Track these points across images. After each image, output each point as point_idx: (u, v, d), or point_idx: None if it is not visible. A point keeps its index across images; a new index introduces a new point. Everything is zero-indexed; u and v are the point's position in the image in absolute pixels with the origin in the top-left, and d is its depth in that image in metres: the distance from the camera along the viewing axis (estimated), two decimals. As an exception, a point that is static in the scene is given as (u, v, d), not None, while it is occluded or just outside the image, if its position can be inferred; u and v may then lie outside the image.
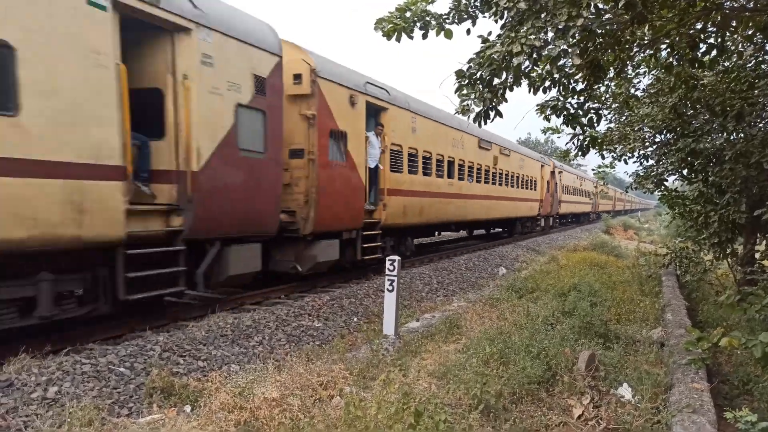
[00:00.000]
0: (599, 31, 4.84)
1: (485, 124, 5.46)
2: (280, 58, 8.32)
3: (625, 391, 5.04)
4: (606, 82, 8.17)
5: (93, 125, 5.57)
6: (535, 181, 25.32)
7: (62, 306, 5.91)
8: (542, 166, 26.63)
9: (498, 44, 4.79)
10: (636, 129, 9.75)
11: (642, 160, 10.59)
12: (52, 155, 5.21)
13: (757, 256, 9.01)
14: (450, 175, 15.42)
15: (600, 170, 12.03)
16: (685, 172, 9.62)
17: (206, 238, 7.29)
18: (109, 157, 5.75)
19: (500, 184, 20.18)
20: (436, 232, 19.43)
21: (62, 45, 5.28)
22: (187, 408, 4.80)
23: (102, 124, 5.68)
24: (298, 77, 9.10)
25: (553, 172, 28.63)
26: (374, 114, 11.53)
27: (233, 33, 7.36)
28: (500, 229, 24.08)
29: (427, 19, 5.31)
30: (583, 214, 41.13)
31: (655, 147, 10.19)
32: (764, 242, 8.90)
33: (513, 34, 4.69)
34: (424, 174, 13.70)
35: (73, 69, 5.38)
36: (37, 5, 5.10)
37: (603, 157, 10.89)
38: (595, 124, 5.95)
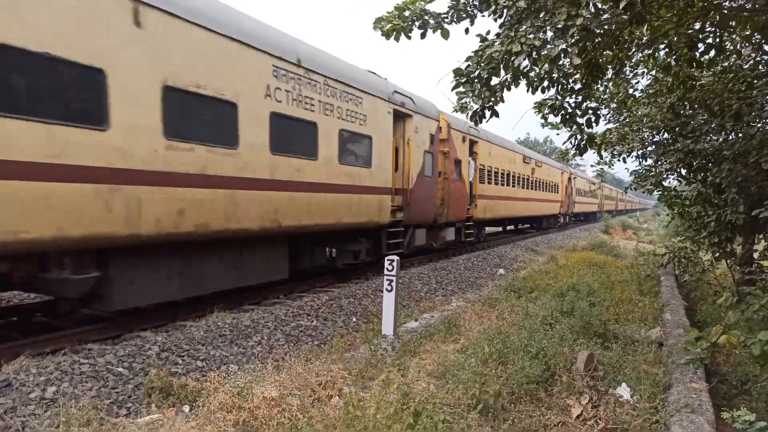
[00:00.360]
0: (598, 31, 4.84)
1: (481, 122, 5.46)
2: (438, 122, 14.19)
3: (624, 391, 5.05)
4: (604, 82, 8.19)
5: (386, 169, 11.50)
6: (557, 186, 31.26)
7: (365, 257, 11.47)
8: (562, 173, 32.62)
9: (497, 43, 4.79)
10: (635, 129, 9.76)
11: (640, 160, 10.60)
12: (377, 185, 11.12)
13: (755, 255, 9.02)
14: (508, 184, 21.65)
15: (598, 167, 12.04)
16: (683, 172, 9.63)
17: (409, 225, 12.93)
18: (388, 182, 11.56)
19: (536, 189, 26.48)
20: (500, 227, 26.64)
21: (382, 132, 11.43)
22: (186, 408, 4.79)
23: (388, 169, 11.61)
24: (440, 129, 14.40)
25: (569, 178, 34.65)
26: (471, 145, 17.38)
27: (424, 113, 13.26)
28: (528, 225, 29.95)
29: (426, 18, 5.32)
30: (591, 213, 47.68)
31: (653, 147, 10.20)
32: (762, 242, 8.90)
33: (512, 33, 4.69)
34: (495, 184, 19.92)
35: (385, 144, 11.48)
36: (382, 119, 11.40)
37: (601, 157, 10.90)
38: (593, 124, 5.95)
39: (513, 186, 22.25)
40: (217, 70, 7.11)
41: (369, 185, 10.81)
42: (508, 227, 27.96)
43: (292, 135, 8.59)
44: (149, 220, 6.24)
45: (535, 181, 26.18)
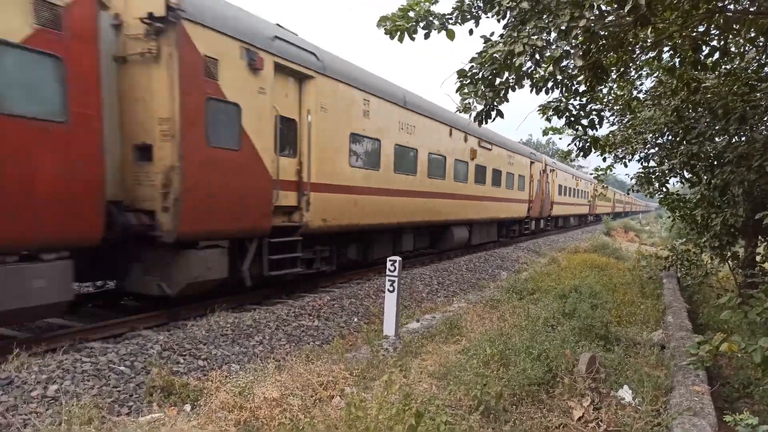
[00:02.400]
0: (602, 33, 4.84)
1: (485, 123, 5.46)
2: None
3: (626, 394, 5.03)
4: (608, 85, 8.18)
5: (525, 191, 24.07)
6: (523, 179, 23.56)
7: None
8: (532, 162, 24.84)
9: (500, 44, 4.79)
10: (638, 132, 9.74)
11: (643, 162, 10.58)
12: (522, 198, 23.87)
13: (758, 259, 9.00)
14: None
15: (599, 172, 12.04)
16: (687, 174, 9.61)
17: (532, 218, 25.55)
18: (525, 197, 24.45)
19: (482, 183, 18.50)
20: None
21: (525, 172, 23.77)
22: (188, 407, 4.80)
23: (526, 190, 24.27)
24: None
25: (544, 170, 26.65)
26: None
27: (537, 159, 24.08)
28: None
29: (431, 19, 5.32)
30: (580, 216, 39.36)
31: (656, 149, 10.19)
32: (764, 245, 8.88)
33: (515, 34, 4.69)
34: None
35: (527, 176, 24.10)
36: (526, 166, 23.52)
37: (604, 160, 10.90)
38: (597, 126, 5.95)
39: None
40: (428, 139, 14.17)
41: (518, 198, 22.27)
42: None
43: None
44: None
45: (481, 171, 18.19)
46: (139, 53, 6.82)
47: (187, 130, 6.93)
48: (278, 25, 9.13)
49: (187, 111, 6.90)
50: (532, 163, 24.63)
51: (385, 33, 5.42)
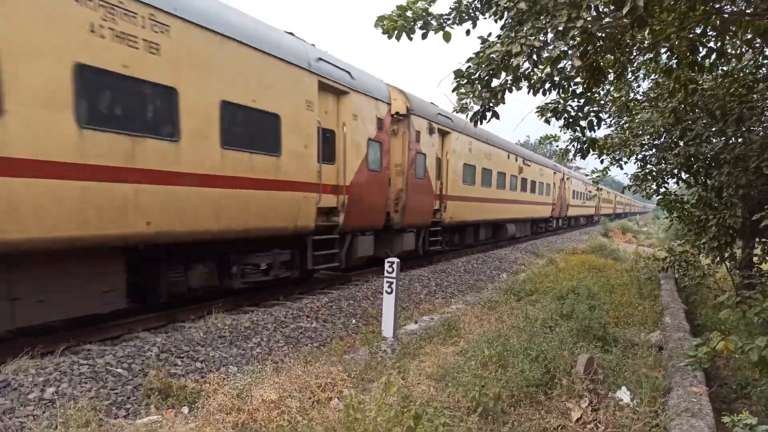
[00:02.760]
0: (599, 34, 4.84)
1: (481, 123, 5.47)
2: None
3: (624, 395, 5.03)
4: (606, 86, 8.19)
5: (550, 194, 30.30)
6: (549, 187, 29.78)
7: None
8: (554, 172, 31.26)
9: (497, 44, 4.79)
10: (635, 135, 9.76)
11: (640, 163, 10.60)
12: (547, 201, 29.73)
13: (755, 260, 9.01)
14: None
15: (595, 175, 12.08)
16: (684, 176, 9.63)
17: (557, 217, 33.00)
18: (549, 200, 30.65)
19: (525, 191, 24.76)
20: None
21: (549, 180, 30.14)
22: (185, 409, 4.79)
23: (551, 194, 30.70)
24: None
25: (563, 178, 33.33)
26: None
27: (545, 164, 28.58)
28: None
29: (428, 19, 5.32)
30: (587, 216, 46.80)
31: (654, 150, 10.20)
32: (761, 246, 8.90)
33: (513, 34, 4.69)
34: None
35: (549, 182, 30.08)
36: (550, 177, 29.79)
37: (602, 162, 10.93)
38: (595, 127, 5.95)
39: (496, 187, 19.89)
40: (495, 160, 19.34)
41: (545, 202, 27.00)
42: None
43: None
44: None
45: (525, 182, 24.15)
46: (392, 131, 12.59)
47: (409, 170, 12.93)
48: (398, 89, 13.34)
49: (409, 160, 13.01)
50: (554, 173, 30.93)
51: (383, 32, 5.42)
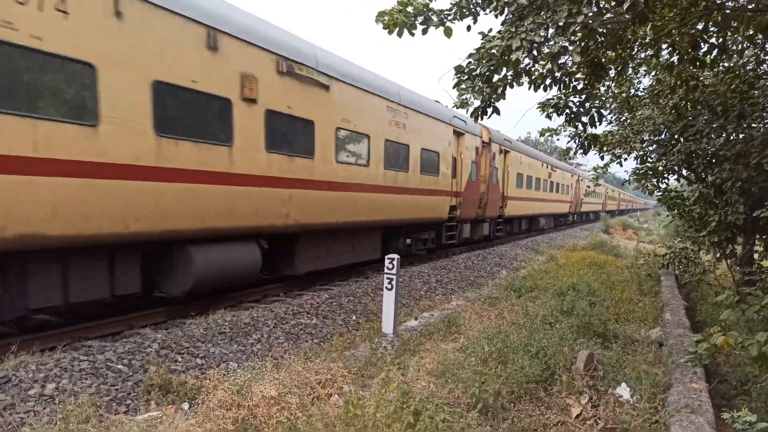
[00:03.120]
0: (600, 30, 4.83)
1: (481, 119, 5.46)
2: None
3: (624, 391, 5.04)
4: (607, 83, 8.17)
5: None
6: (568, 188, 35.54)
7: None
8: (572, 175, 36.86)
9: (498, 39, 4.78)
10: (636, 131, 9.74)
11: (641, 159, 10.58)
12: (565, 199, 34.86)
13: (755, 256, 9.00)
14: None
15: (595, 172, 12.08)
16: (684, 172, 9.61)
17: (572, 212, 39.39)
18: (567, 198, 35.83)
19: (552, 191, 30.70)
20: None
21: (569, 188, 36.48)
22: (186, 405, 4.79)
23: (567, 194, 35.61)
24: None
25: (578, 180, 38.71)
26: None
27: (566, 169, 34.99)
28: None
29: (428, 14, 5.31)
30: (595, 212, 52.84)
31: (654, 146, 10.19)
32: (762, 243, 8.89)
33: (513, 29, 4.68)
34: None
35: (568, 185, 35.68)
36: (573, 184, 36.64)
37: (602, 158, 10.91)
38: (596, 123, 5.94)
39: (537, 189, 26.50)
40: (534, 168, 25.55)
41: (564, 200, 33.14)
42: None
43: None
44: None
45: (552, 184, 29.80)
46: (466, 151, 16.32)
47: (489, 179, 17.88)
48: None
49: (489, 172, 17.98)
50: (572, 176, 36.44)
51: (384, 28, 5.41)
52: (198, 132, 6.97)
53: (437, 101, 14.69)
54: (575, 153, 8.78)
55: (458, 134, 15.55)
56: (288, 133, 8.55)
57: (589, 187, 22.69)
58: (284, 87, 8.32)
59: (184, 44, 6.71)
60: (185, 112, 6.82)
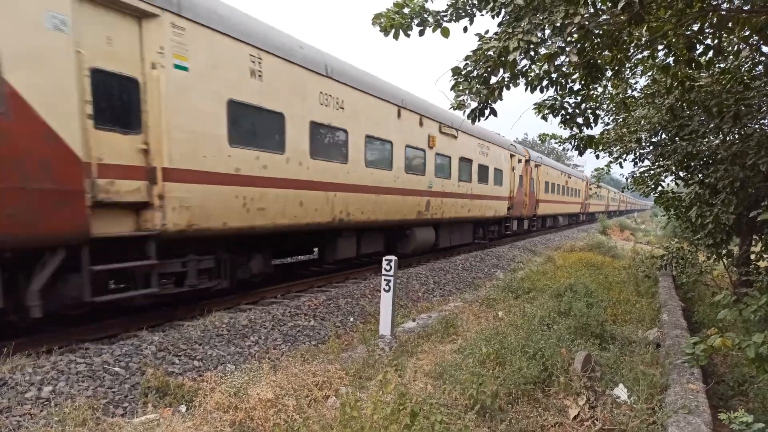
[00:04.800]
0: (596, 31, 4.83)
1: (479, 121, 5.45)
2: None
3: (621, 392, 5.04)
4: (603, 83, 8.18)
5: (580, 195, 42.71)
6: (580, 191, 41.07)
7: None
8: (511, 155, 38.30)
9: (494, 40, 4.78)
10: (632, 130, 9.76)
11: (638, 161, 10.60)
12: (575, 200, 41.53)
13: (752, 257, 9.02)
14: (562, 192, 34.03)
15: (597, 172, 12.11)
16: (681, 173, 9.63)
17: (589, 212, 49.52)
18: (578, 200, 42.88)
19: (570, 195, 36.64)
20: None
21: (579, 187, 42.84)
22: (183, 408, 4.78)
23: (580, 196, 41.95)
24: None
25: (525, 161, 39.50)
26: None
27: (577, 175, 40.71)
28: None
29: (425, 16, 5.30)
30: (598, 212, 56.73)
31: (651, 148, 10.20)
32: (759, 243, 8.90)
33: (510, 30, 4.68)
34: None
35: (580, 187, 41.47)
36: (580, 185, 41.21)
37: (597, 158, 10.94)
38: (592, 125, 5.95)
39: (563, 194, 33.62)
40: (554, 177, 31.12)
41: (577, 202, 38.77)
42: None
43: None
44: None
45: (568, 189, 35.65)
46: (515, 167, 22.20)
47: (528, 187, 24.13)
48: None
49: (528, 182, 24.46)
50: (582, 181, 42.13)
51: (380, 30, 5.40)
52: (414, 169, 13.21)
53: (498, 133, 20.61)
54: (571, 149, 8.80)
55: (512, 155, 21.27)
56: (445, 166, 15.17)
57: (591, 188, 26.15)
58: (444, 140, 14.92)
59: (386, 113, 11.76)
60: (413, 157, 13.11)
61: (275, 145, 8.38)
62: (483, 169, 18.03)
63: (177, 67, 6.65)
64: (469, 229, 18.23)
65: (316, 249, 12.57)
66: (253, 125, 7.94)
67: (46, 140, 5.31)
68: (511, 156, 21.67)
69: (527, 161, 24.61)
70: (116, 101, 6.18)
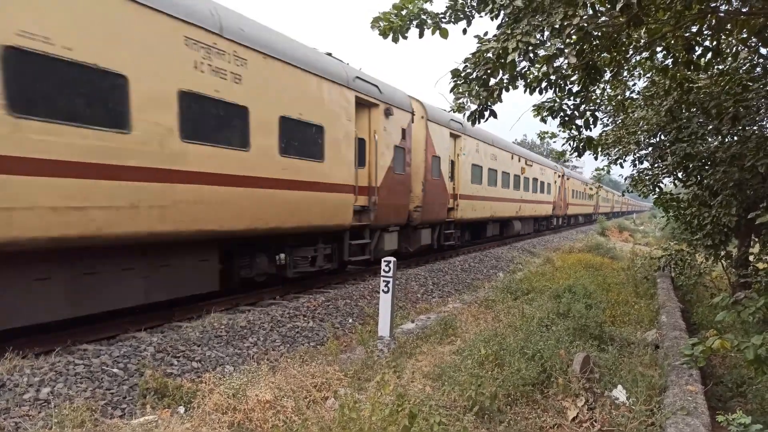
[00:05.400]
0: (595, 33, 4.84)
1: (479, 123, 5.45)
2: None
3: (620, 393, 5.04)
4: (601, 85, 8.19)
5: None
6: (593, 196, 47.95)
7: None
8: (555, 172, 44.78)
9: (493, 41, 4.78)
10: (631, 132, 9.77)
11: (637, 162, 10.62)
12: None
13: (751, 258, 9.02)
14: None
15: (597, 173, 12.13)
16: (680, 174, 9.64)
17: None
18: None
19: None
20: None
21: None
22: (181, 409, 4.77)
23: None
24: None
25: (562, 176, 46.19)
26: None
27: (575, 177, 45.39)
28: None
29: (423, 17, 5.31)
30: (585, 215, 59.26)
31: (650, 149, 10.22)
32: (758, 245, 8.91)
33: (509, 31, 4.69)
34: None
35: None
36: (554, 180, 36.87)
37: (596, 159, 10.96)
38: (591, 126, 5.96)
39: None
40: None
41: (589, 204, 50.08)
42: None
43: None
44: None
45: (527, 180, 27.27)
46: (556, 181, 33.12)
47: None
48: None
49: (563, 191, 36.87)
50: (554, 172, 44.96)
51: (379, 34, 5.40)
52: (512, 185, 22.35)
53: (546, 156, 24.77)
54: (570, 155, 8.80)
55: (555, 172, 23.91)
56: (528, 183, 25.73)
57: (591, 188, 23.85)
58: (527, 168, 25.40)
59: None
60: (512, 179, 22.81)
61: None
62: (542, 185, 28.83)
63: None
64: (531, 223, 28.28)
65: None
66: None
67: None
68: (554, 173, 32.20)
69: (562, 176, 34.67)
70: (361, 153, 11.10)
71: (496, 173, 20.59)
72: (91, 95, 5.78)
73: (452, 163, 16.45)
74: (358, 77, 10.70)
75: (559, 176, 34.43)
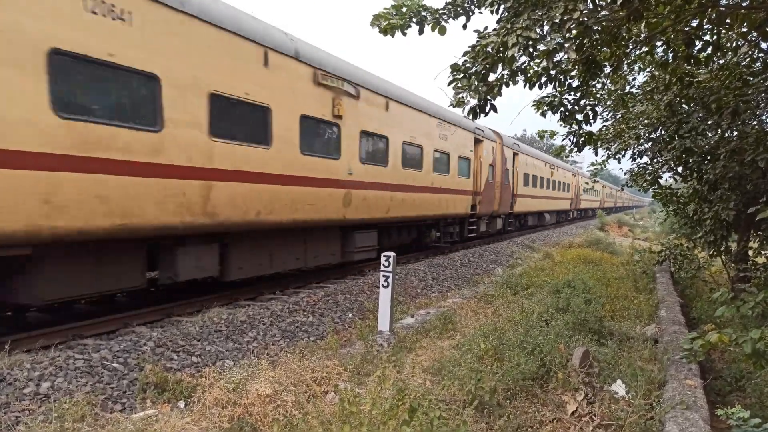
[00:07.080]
0: (595, 27, 4.83)
1: (478, 117, 5.44)
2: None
3: (619, 388, 5.05)
4: (601, 80, 8.18)
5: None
6: (598, 191, 52.41)
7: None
8: (573, 174, 46.34)
9: (493, 35, 4.77)
10: (631, 126, 9.76)
11: (636, 157, 10.61)
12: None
13: (750, 253, 9.04)
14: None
15: (594, 167, 12.11)
16: (679, 169, 9.63)
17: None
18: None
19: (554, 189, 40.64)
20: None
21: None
22: (181, 403, 4.78)
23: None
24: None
25: (575, 176, 48.21)
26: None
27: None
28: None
29: (423, 14, 5.29)
30: (592, 209, 62.02)
31: (650, 144, 10.21)
32: (757, 239, 8.92)
33: (509, 26, 4.67)
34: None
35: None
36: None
37: (596, 154, 10.94)
38: (591, 121, 5.95)
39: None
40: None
41: (595, 200, 53.13)
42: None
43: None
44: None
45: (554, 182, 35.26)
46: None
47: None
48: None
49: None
50: (572, 174, 46.20)
51: (380, 32, 5.38)
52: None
53: (564, 161, 27.69)
54: (570, 151, 8.79)
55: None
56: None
57: (587, 183, 26.06)
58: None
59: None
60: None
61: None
62: (562, 185, 34.09)
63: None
64: (555, 215, 34.42)
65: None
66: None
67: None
68: (571, 174, 37.89)
69: (575, 175, 39.73)
70: (465, 167, 16.52)
71: (536, 178, 27.14)
72: (253, 123, 8.12)
73: (513, 172, 22.92)
74: (477, 127, 17.90)
75: (573, 176, 39.86)
